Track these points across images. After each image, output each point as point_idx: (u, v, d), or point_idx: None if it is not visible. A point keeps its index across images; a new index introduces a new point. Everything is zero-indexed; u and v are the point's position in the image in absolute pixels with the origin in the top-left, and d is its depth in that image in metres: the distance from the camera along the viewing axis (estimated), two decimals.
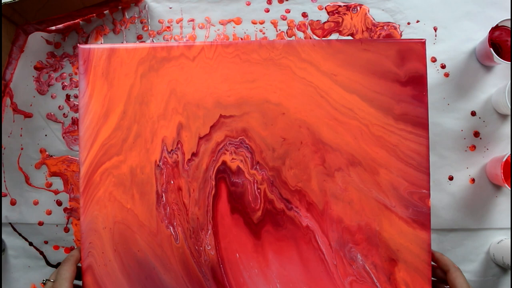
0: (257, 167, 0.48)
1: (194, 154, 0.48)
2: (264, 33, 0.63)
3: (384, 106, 0.48)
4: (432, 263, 0.48)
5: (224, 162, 0.48)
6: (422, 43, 0.48)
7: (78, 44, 0.49)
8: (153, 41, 0.62)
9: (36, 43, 0.63)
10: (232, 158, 0.48)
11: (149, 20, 0.63)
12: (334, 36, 0.62)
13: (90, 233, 0.47)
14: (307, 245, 0.47)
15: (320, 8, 0.63)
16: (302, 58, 0.48)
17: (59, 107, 0.62)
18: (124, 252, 0.47)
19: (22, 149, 0.62)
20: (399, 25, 0.62)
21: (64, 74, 0.62)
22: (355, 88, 0.48)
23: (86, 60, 0.48)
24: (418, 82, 0.48)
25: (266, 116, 0.48)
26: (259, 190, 0.48)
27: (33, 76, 0.63)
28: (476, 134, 0.61)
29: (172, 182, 0.48)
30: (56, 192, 0.62)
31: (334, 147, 0.48)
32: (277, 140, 0.48)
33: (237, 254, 0.47)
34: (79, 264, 0.48)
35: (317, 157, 0.48)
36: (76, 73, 0.62)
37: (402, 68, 0.48)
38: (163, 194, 0.48)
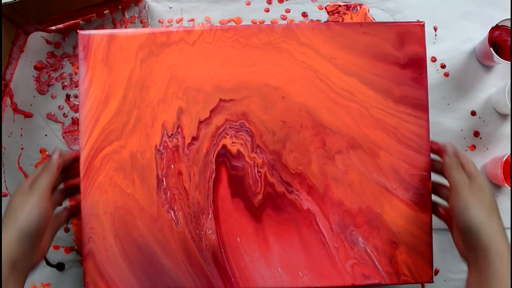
0: (258, 150, 0.48)
1: (194, 138, 0.48)
2: None
3: (384, 89, 0.48)
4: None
5: (224, 146, 0.48)
6: (421, 25, 0.48)
7: (77, 30, 0.49)
8: None
9: (36, 43, 0.63)
10: (232, 142, 0.48)
11: (149, 20, 0.63)
12: None
13: (91, 218, 0.47)
14: (308, 229, 0.47)
15: (320, 8, 0.63)
16: (302, 42, 0.48)
17: (59, 107, 0.62)
18: (125, 237, 0.47)
19: (22, 149, 0.62)
20: None
21: (64, 74, 0.62)
22: (354, 71, 0.48)
23: (86, 46, 0.48)
24: (417, 64, 0.48)
25: (266, 99, 0.48)
26: (259, 174, 0.48)
27: (33, 76, 0.62)
28: (476, 134, 0.61)
29: (172, 166, 0.48)
30: None
31: (334, 130, 0.48)
32: (277, 123, 0.48)
33: (238, 238, 0.47)
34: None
35: (317, 140, 0.48)
36: (76, 73, 0.62)
37: (401, 50, 0.48)
38: (164, 179, 0.48)
